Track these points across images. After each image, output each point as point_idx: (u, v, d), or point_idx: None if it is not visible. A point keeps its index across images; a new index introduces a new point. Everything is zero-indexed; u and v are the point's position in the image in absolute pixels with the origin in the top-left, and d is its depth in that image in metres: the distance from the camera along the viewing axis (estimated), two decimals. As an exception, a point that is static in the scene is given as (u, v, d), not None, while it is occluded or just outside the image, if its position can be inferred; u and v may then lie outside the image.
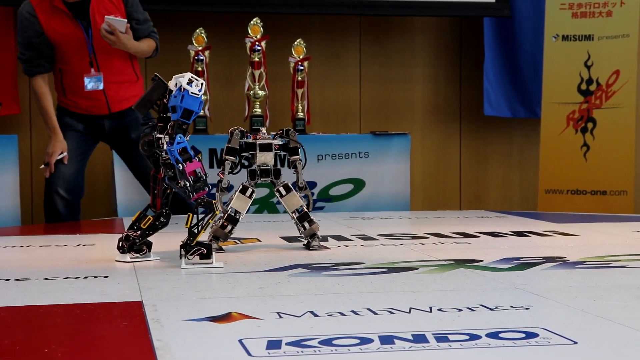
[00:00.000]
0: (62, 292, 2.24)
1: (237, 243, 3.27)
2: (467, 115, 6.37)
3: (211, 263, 2.64)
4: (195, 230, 2.64)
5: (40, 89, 4.21)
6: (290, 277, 2.45)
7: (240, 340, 1.64)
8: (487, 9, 5.94)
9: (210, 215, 2.65)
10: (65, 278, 2.44)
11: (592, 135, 5.62)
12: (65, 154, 4.21)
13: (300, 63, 5.39)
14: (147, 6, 5.72)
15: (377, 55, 6.23)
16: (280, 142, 3.09)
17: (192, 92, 2.57)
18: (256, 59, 5.29)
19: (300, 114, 5.39)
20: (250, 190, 3.04)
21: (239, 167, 3.05)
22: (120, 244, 2.78)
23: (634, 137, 5.64)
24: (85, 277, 2.45)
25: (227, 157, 3.02)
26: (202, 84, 2.60)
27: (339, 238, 3.43)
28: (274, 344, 1.61)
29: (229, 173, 3.03)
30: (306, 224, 3.09)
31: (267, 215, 4.75)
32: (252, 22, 5.24)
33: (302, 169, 3.10)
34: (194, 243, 2.64)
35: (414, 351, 1.57)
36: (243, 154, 3.05)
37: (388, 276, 2.47)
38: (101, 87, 4.12)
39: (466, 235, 3.52)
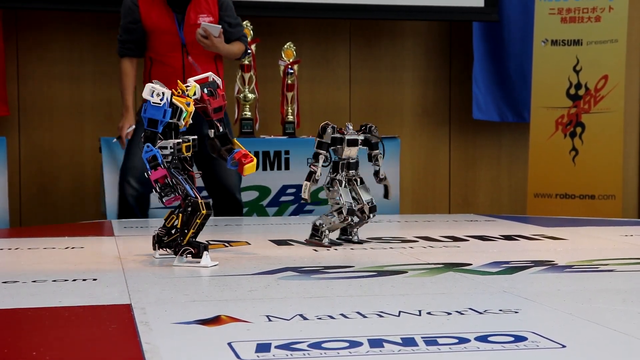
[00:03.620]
0: (51, 294, 2.23)
1: (226, 246, 3.27)
2: (457, 119, 6.39)
3: (205, 262, 2.68)
4: (185, 230, 2.69)
5: (126, 69, 4.50)
6: (279, 280, 2.45)
7: (229, 344, 1.64)
8: (475, 13, 5.96)
9: (197, 215, 2.69)
10: (54, 281, 2.43)
11: (580, 140, 5.65)
12: (133, 127, 4.41)
13: (290, 66, 5.39)
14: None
15: (366, 58, 6.24)
16: (363, 138, 3.29)
17: (153, 102, 2.65)
18: (246, 62, 5.29)
19: (290, 117, 5.40)
20: (344, 181, 3.27)
21: (329, 160, 3.25)
22: (152, 242, 2.87)
23: (622, 142, 5.67)
24: (74, 280, 2.44)
25: (320, 151, 3.20)
26: (163, 92, 2.66)
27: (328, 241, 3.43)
28: (263, 347, 1.61)
29: (322, 166, 3.23)
30: (371, 215, 3.30)
31: (257, 219, 4.75)
32: (242, 25, 5.24)
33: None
34: (185, 242, 2.69)
35: (403, 354, 1.57)
36: (331, 147, 3.25)
37: (377, 280, 2.47)
38: (198, 71, 4.23)
39: (455, 239, 3.52)
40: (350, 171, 3.28)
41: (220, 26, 4.25)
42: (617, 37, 5.60)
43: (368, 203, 3.29)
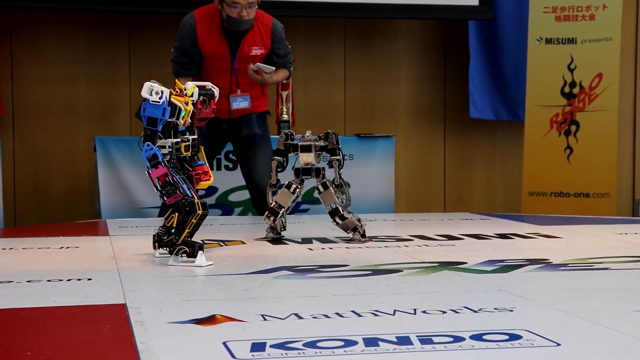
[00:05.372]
0: (45, 294, 2.22)
1: (222, 245, 3.27)
2: (451, 118, 6.39)
3: (200, 262, 2.70)
4: (181, 229, 2.72)
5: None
6: (274, 280, 2.45)
7: (224, 343, 1.64)
8: (470, 12, 5.96)
9: (193, 215, 2.71)
10: (49, 280, 2.42)
11: (575, 138, 5.66)
12: None
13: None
14: (133, 7, 5.72)
15: (361, 57, 6.24)
16: (322, 144, 3.36)
17: (152, 101, 2.68)
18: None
19: (285, 116, 5.39)
20: (294, 186, 3.36)
21: (285, 166, 3.42)
22: (153, 241, 2.89)
23: (617, 140, 5.68)
24: (69, 280, 2.44)
25: (274, 157, 3.39)
26: (162, 91, 2.68)
27: (324, 240, 3.43)
28: (258, 347, 1.61)
29: (277, 172, 3.39)
30: (337, 219, 3.34)
31: (252, 218, 4.75)
32: (236, 24, 5.23)
33: (340, 168, 3.37)
34: (180, 242, 2.72)
35: (398, 353, 1.57)
36: (290, 154, 3.40)
37: (372, 278, 2.47)
38: (248, 105, 4.61)
39: (450, 238, 3.52)
40: (305, 176, 3.36)
41: (273, 68, 4.50)
42: (611, 36, 5.61)
43: (328, 208, 3.36)
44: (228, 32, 4.51)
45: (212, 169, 5.02)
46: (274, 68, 4.51)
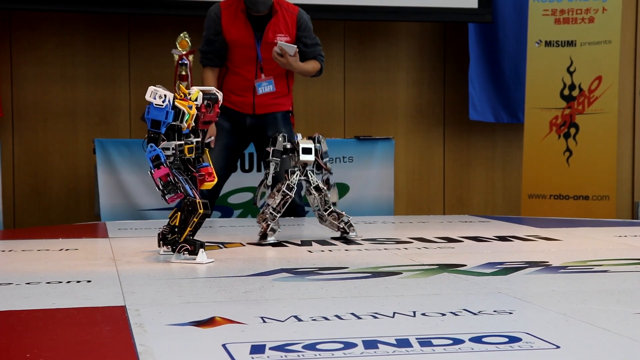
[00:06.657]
0: (45, 296, 2.22)
1: (221, 247, 3.27)
2: (451, 120, 6.40)
3: (201, 259, 2.78)
4: (183, 228, 2.82)
5: (207, 80, 4.60)
6: (274, 282, 2.45)
7: (223, 345, 1.64)
8: (469, 14, 5.96)
9: (195, 214, 2.81)
10: (48, 283, 2.42)
11: (574, 141, 5.66)
12: (212, 138, 4.47)
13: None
14: (132, 10, 5.72)
15: (361, 59, 6.24)
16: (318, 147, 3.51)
17: (156, 104, 2.76)
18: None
19: (285, 119, 5.38)
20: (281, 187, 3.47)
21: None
22: (158, 239, 2.97)
23: (616, 143, 5.68)
24: (68, 282, 2.44)
25: (273, 159, 3.46)
26: (165, 95, 2.76)
27: (323, 243, 3.43)
28: (257, 349, 1.61)
29: (273, 173, 3.46)
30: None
31: (251, 220, 4.74)
32: (236, 27, 5.23)
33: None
34: (182, 240, 2.82)
35: (398, 355, 1.57)
36: (283, 155, 3.51)
37: (372, 281, 2.47)
38: (273, 89, 4.54)
39: (450, 240, 3.52)
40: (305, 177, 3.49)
41: (295, 46, 4.40)
42: (610, 38, 5.61)
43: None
44: (252, 18, 4.48)
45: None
46: (296, 47, 4.42)
